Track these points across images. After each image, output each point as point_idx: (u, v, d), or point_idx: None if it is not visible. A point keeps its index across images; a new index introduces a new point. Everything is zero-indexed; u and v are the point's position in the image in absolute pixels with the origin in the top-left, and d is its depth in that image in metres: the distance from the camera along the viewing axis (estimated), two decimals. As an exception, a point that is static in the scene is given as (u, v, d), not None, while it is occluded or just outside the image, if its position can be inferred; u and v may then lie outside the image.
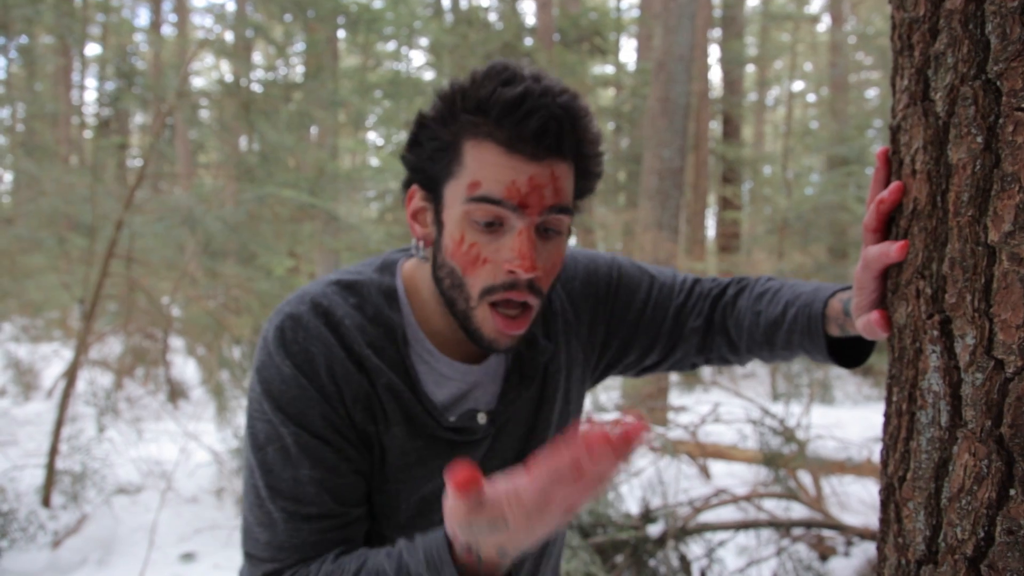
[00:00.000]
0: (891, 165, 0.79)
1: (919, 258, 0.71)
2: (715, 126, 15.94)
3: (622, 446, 0.66)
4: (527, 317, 0.91)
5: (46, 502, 4.52)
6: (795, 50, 19.08)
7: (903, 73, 0.74)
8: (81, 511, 4.49)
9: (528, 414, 1.05)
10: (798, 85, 21.75)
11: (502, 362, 1.03)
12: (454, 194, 0.88)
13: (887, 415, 0.77)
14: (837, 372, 12.33)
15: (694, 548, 3.60)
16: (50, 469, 4.56)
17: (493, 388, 1.02)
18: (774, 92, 21.31)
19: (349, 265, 1.04)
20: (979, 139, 0.64)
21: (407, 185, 0.96)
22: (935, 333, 0.68)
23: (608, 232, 15.63)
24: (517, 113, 0.83)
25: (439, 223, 0.91)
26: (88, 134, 18.15)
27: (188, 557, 4.15)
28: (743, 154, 15.34)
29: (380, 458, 0.95)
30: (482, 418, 0.98)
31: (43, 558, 3.97)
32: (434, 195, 0.91)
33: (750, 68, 18.87)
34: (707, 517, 3.88)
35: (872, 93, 16.14)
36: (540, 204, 0.86)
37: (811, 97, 21.46)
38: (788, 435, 4.47)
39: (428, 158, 0.90)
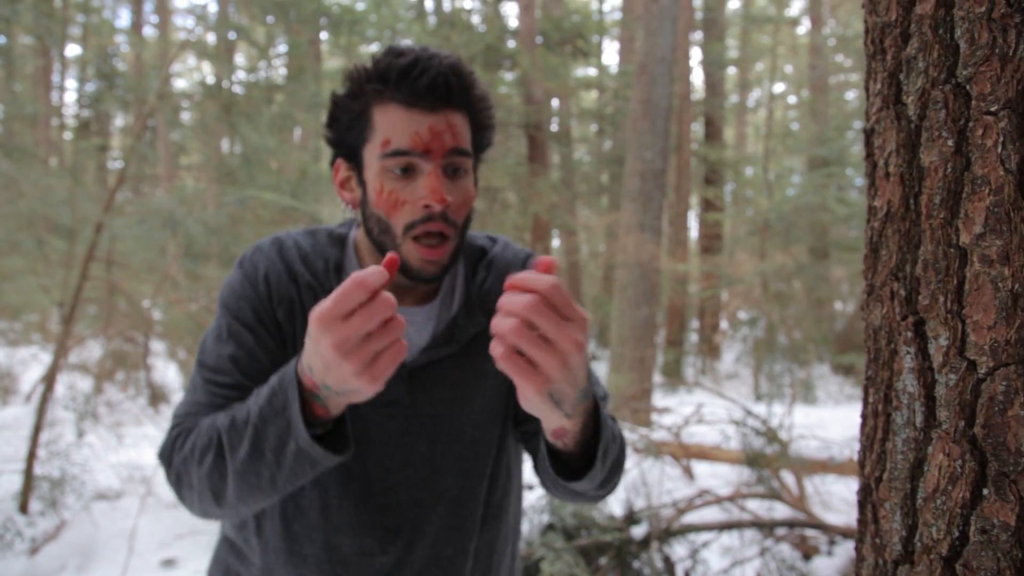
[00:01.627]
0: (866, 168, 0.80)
1: (893, 260, 0.71)
2: (697, 128, 16.01)
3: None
4: (446, 246, 1.05)
5: (23, 508, 4.46)
6: (776, 52, 19.20)
7: (876, 77, 0.75)
8: (60, 517, 4.43)
9: (453, 380, 1.13)
10: (779, 87, 21.93)
11: (431, 322, 1.15)
12: (371, 154, 1.03)
13: (864, 416, 0.77)
14: (819, 371, 12.44)
15: (678, 549, 3.61)
16: (28, 475, 4.50)
17: (422, 334, 1.13)
18: (755, 94, 21.46)
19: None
20: (950, 142, 0.65)
21: (332, 161, 1.11)
22: (909, 335, 0.69)
23: (591, 234, 15.66)
24: (411, 75, 0.99)
25: (362, 182, 1.06)
26: (68, 136, 17.94)
27: (169, 563, 4.11)
28: (725, 156, 15.42)
29: (293, 351, 1.09)
30: None
31: (20, 565, 3.92)
32: (355, 161, 1.07)
33: (731, 70, 18.97)
34: (691, 518, 3.89)
35: (852, 95, 16.28)
36: (442, 148, 1.01)
37: (792, 99, 21.63)
38: (771, 435, 4.50)
39: (345, 129, 1.06)
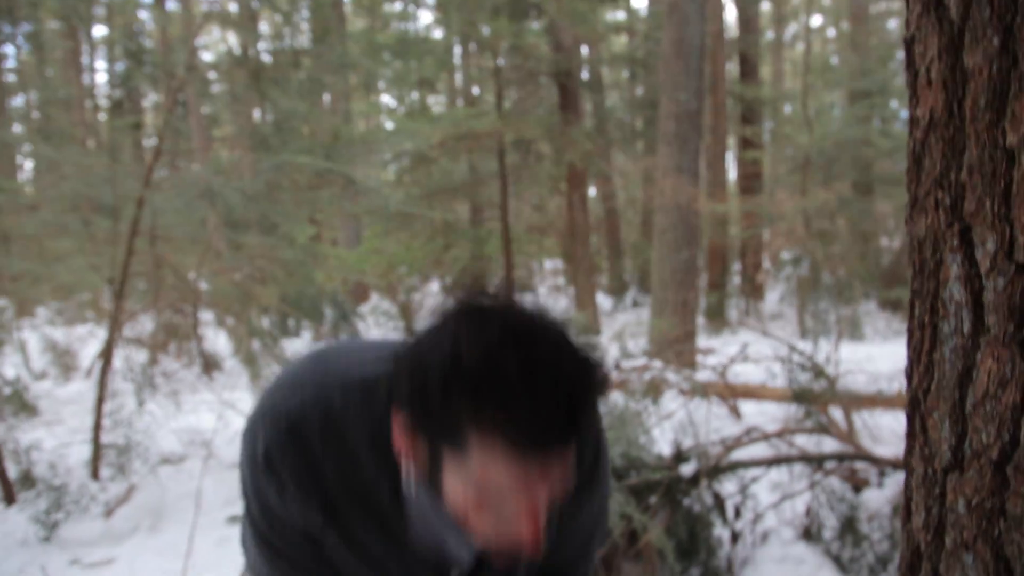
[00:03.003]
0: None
1: (937, 168, 0.70)
2: (732, 67, 15.60)
3: None
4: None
5: (95, 475, 4.67)
6: (811, -18, 18.54)
7: None
8: (129, 481, 4.63)
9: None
10: (816, 20, 21.18)
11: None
12: (455, 468, 0.81)
13: (910, 329, 0.77)
14: (866, 308, 12.24)
15: (727, 486, 3.63)
16: (96, 444, 4.70)
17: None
18: (792, 28, 20.77)
19: (338, 370, 0.98)
20: (995, 41, 0.63)
21: (390, 393, 0.87)
22: (955, 242, 0.68)
23: (627, 180, 15.49)
24: (532, 416, 0.76)
25: (435, 479, 0.85)
26: (102, 116, 18.19)
27: (234, 519, 4.27)
28: (762, 93, 15.02)
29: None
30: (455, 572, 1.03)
31: (98, 527, 4.11)
32: (430, 447, 0.83)
33: (766, 5, 18.37)
34: (739, 455, 3.90)
35: (894, 24, 15.67)
36: (548, 494, 0.82)
37: (831, 31, 20.91)
38: (817, 371, 4.47)
39: (426, 418, 0.82)
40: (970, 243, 0.67)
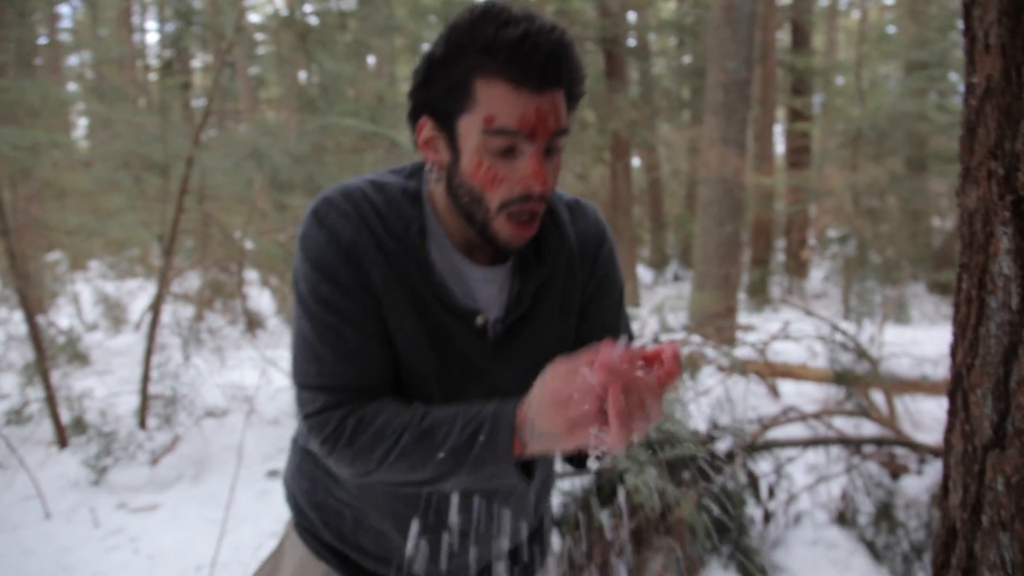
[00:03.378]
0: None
1: (992, 138, 0.68)
2: (783, 35, 15.17)
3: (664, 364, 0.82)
4: (536, 221, 1.06)
5: (142, 424, 4.83)
6: (871, -51, 17.85)
7: None
8: (174, 432, 4.78)
9: (530, 347, 1.17)
10: (874, -13, 20.44)
11: (507, 276, 1.16)
12: (469, 126, 0.99)
13: (956, 304, 0.76)
14: (914, 291, 11.96)
15: (762, 464, 3.61)
16: (144, 395, 4.86)
17: (501, 297, 1.15)
18: (848, -4, 20.08)
19: (385, 170, 1.18)
20: (1059, 5, 0.61)
21: (414, 116, 1.07)
22: (1007, 215, 0.66)
23: (672, 151, 15.27)
24: (521, 52, 0.95)
25: (455, 150, 1.03)
26: (153, 76, 18.47)
27: (273, 473, 4.40)
28: (813, 63, 14.59)
29: (390, 319, 1.09)
30: (480, 319, 1.12)
31: (144, 474, 4.27)
32: (446, 126, 1.02)
33: (822, -29, 17.78)
34: (775, 434, 3.87)
35: (956, -9, 15.05)
36: (546, 131, 0.99)
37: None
38: (860, 352, 4.39)
39: (440, 95, 1.01)
40: (1022, 216, 0.65)
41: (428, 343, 1.09)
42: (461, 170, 1.02)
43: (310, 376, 1.07)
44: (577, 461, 1.10)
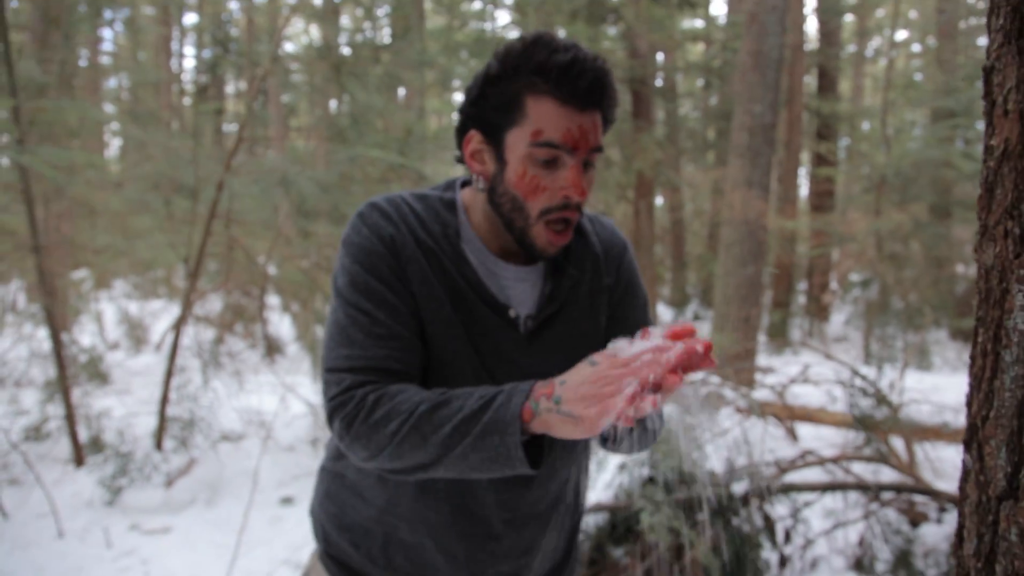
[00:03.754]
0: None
1: (1008, 198, 0.71)
2: (810, 80, 15.25)
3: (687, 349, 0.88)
4: (570, 230, 1.16)
5: (159, 446, 4.86)
6: (899, -3, 17.95)
7: (998, 12, 0.74)
8: (190, 455, 4.81)
9: (561, 341, 1.23)
10: (901, 34, 20.53)
11: (539, 275, 1.24)
12: (517, 139, 1.10)
13: (972, 356, 0.77)
14: (936, 337, 11.82)
15: (779, 508, 3.57)
16: (162, 416, 4.89)
17: (532, 295, 1.23)
18: (875, 43, 20.17)
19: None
20: (1073, 73, 0.63)
21: (462, 131, 1.18)
22: (1022, 273, 0.68)
23: (696, 191, 15.30)
24: (570, 75, 1.06)
25: (501, 161, 1.13)
26: (188, 101, 18.89)
27: (287, 501, 4.40)
28: (839, 109, 14.63)
29: (425, 311, 1.15)
30: (512, 312, 1.20)
31: (158, 496, 4.29)
32: (494, 139, 1.13)
33: (849, 17, 17.89)
34: (793, 478, 3.83)
35: (983, 41, 15.07)
36: (586, 146, 1.10)
37: (916, 47, 20.24)
38: (880, 398, 4.34)
39: (492, 110, 1.11)
40: None
41: (464, 335, 1.16)
42: (506, 179, 1.12)
43: (340, 359, 1.12)
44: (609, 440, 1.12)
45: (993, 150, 0.74)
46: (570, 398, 0.93)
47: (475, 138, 1.16)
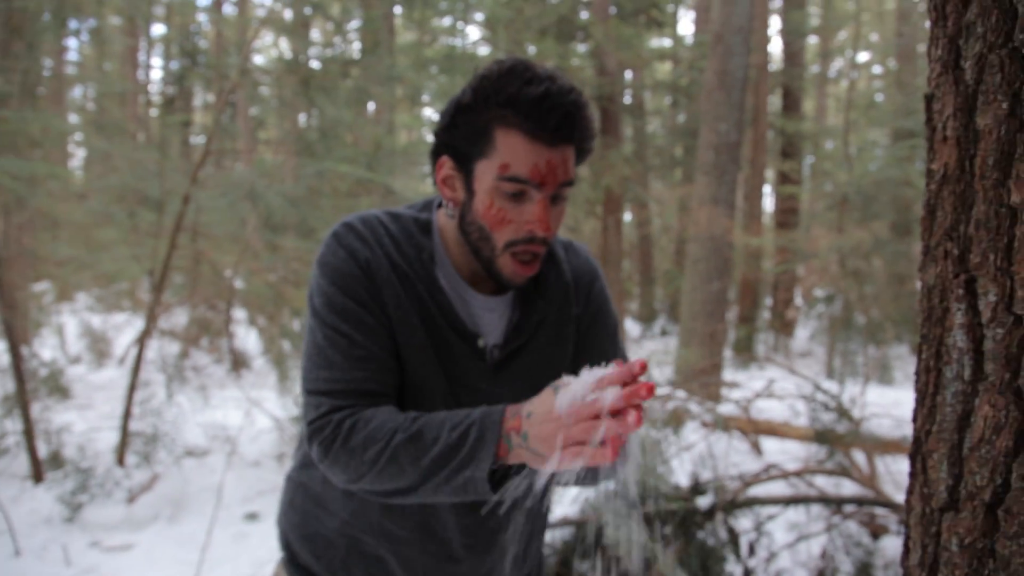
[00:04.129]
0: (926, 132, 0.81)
1: (948, 221, 0.74)
2: (775, 99, 15.54)
3: (636, 392, 0.86)
4: (536, 262, 1.15)
5: (120, 461, 4.78)
6: (860, 19, 18.39)
7: (937, 42, 0.77)
8: (153, 470, 4.73)
9: (527, 370, 1.23)
10: (863, 56, 21.02)
11: (508, 305, 1.24)
12: (485, 170, 1.09)
13: (917, 372, 0.81)
14: (898, 352, 12.04)
15: (743, 521, 3.60)
16: (124, 431, 4.81)
17: (500, 325, 1.23)
18: (837, 64, 20.64)
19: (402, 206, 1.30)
20: (1004, 105, 0.67)
21: (436, 155, 1.16)
22: (960, 292, 0.72)
23: (663, 208, 15.47)
24: (540, 109, 1.04)
25: (470, 190, 1.12)
26: (154, 112, 18.65)
27: (252, 517, 4.35)
28: (803, 128, 14.94)
29: (399, 335, 1.15)
30: (481, 342, 1.20)
31: (120, 512, 4.21)
32: (464, 167, 1.12)
33: (813, 39, 18.30)
34: (757, 491, 3.87)
35: (941, 64, 15.40)
36: (555, 181, 1.08)
37: (877, 68, 20.73)
38: (842, 412, 4.42)
39: (463, 139, 1.10)
40: (974, 293, 0.71)
41: (435, 360, 1.17)
42: (474, 208, 1.11)
43: (319, 382, 1.13)
44: (588, 477, 1.12)
45: (934, 174, 0.77)
46: (536, 436, 0.93)
47: (446, 164, 1.15)
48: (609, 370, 0.89)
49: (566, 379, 0.94)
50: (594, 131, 1.14)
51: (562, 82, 1.07)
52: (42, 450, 4.75)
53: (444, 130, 1.13)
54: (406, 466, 1.03)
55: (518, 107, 1.05)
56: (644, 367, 0.88)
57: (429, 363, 1.16)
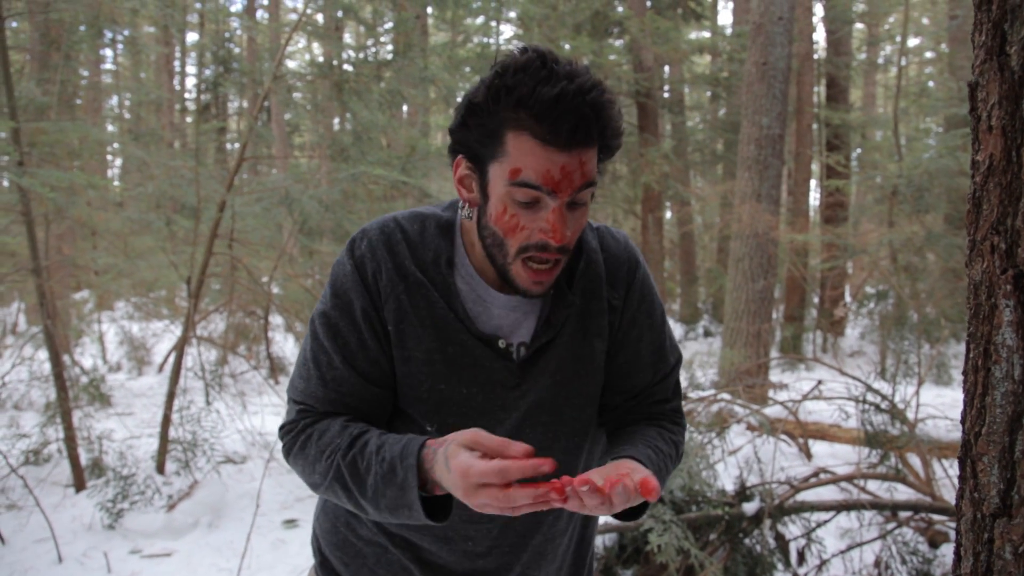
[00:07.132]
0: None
1: (995, 214, 0.70)
2: (819, 90, 15.17)
3: (541, 495, 0.88)
4: (555, 270, 1.10)
5: (160, 469, 4.82)
6: (910, 3, 17.86)
7: (981, 28, 0.73)
8: (192, 477, 4.76)
9: (556, 367, 1.19)
10: (913, 41, 20.41)
11: (536, 305, 1.19)
12: (497, 174, 1.04)
13: (965, 372, 0.77)
14: (955, 350, 11.62)
15: (792, 528, 3.48)
16: (163, 438, 4.85)
17: (527, 322, 1.19)
18: (885, 50, 20.08)
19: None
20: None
21: (453, 153, 1.11)
22: (1008, 288, 0.67)
23: (704, 205, 15.22)
24: (553, 113, 0.97)
25: (484, 193, 1.08)
26: (189, 119, 19.04)
27: (290, 523, 4.34)
28: (850, 118, 14.52)
29: (401, 349, 1.14)
30: (502, 343, 1.16)
31: (160, 519, 4.24)
32: (478, 168, 1.07)
33: (859, 26, 17.82)
34: (806, 496, 3.73)
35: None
36: (569, 187, 1.02)
37: (928, 54, 20.14)
38: (895, 414, 4.23)
39: (475, 140, 1.05)
40: (1023, 289, 0.64)
41: (447, 367, 1.14)
42: (488, 213, 1.07)
43: (295, 391, 1.17)
44: (627, 514, 1.11)
45: (979, 165, 0.72)
46: (451, 486, 0.95)
47: (462, 164, 1.10)
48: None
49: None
50: (620, 127, 1.06)
51: (581, 80, 0.99)
52: (83, 458, 4.82)
53: (457, 129, 1.08)
54: (353, 491, 1.07)
55: (530, 108, 0.98)
56: (538, 458, 0.89)
57: (441, 371, 1.14)
